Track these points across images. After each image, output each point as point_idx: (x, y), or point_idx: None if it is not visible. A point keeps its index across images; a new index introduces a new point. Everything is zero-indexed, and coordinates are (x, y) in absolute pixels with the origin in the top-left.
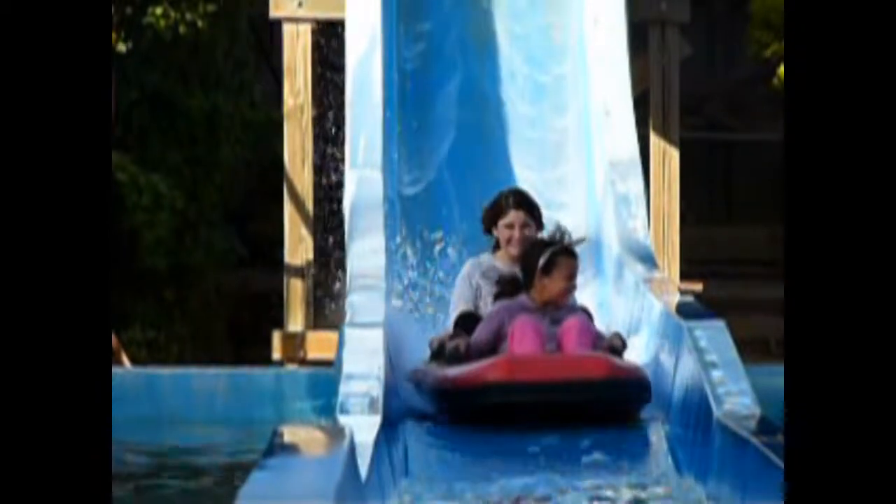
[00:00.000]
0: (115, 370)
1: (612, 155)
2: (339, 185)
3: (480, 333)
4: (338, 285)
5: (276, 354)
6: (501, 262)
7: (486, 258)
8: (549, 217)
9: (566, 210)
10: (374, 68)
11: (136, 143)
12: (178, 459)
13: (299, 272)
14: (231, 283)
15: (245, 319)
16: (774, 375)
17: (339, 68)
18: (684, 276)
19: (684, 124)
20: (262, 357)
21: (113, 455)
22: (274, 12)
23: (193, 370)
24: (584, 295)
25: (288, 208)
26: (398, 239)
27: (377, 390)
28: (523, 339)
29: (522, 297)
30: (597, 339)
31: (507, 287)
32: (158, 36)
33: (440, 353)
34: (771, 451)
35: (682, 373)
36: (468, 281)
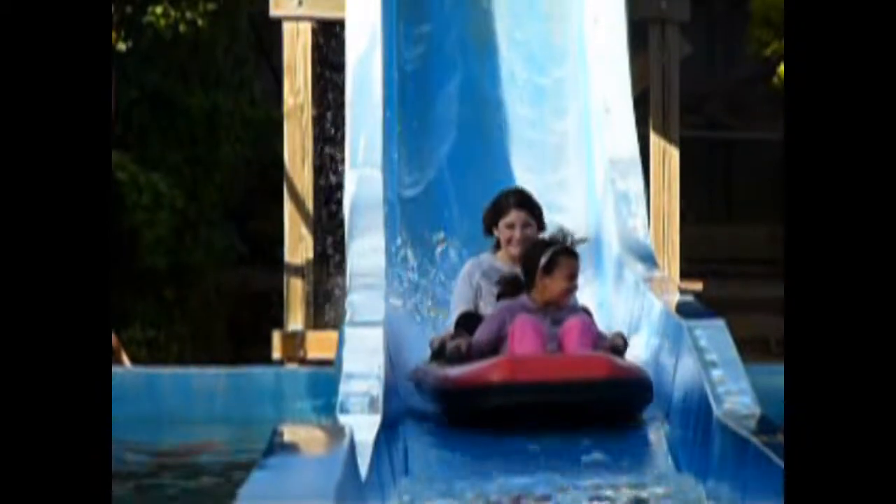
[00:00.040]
0: (115, 369)
1: (613, 153)
2: (339, 186)
3: (481, 334)
4: (337, 292)
5: (276, 354)
6: (502, 262)
7: (486, 258)
8: (550, 220)
9: (566, 213)
10: (374, 67)
11: (136, 142)
12: (178, 459)
13: (299, 271)
14: (231, 282)
15: (245, 318)
16: (774, 375)
17: (339, 68)
18: (684, 275)
19: (684, 123)
20: (262, 356)
21: (113, 454)
22: (274, 11)
23: (193, 370)
24: (584, 294)
25: (288, 207)
26: (398, 241)
27: (377, 389)
28: (524, 338)
29: (523, 298)
30: (598, 339)
31: (508, 287)
32: (158, 35)
33: (441, 353)
34: (771, 450)
35: (681, 372)
36: (468, 280)
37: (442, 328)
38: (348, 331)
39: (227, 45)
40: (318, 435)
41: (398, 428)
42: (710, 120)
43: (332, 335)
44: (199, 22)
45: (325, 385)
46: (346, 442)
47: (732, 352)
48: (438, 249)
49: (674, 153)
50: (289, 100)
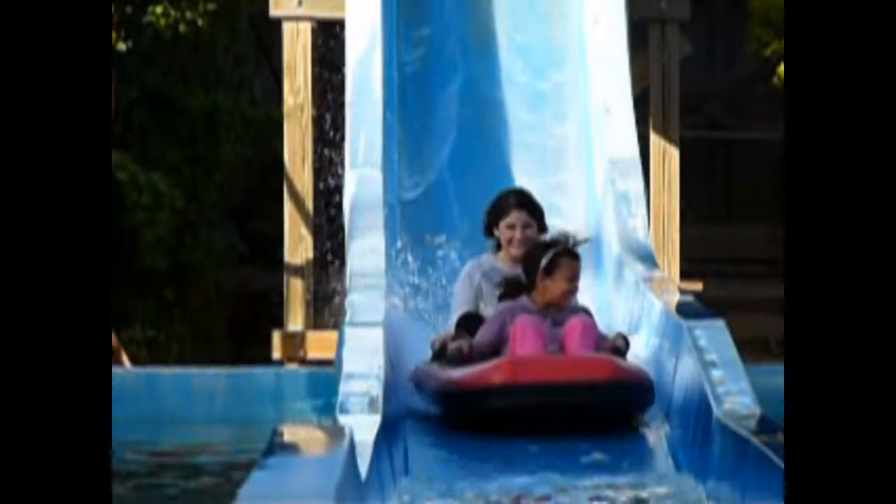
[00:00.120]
0: (115, 370)
1: (613, 153)
2: (338, 189)
3: (483, 335)
4: (337, 292)
5: (276, 354)
6: (502, 263)
7: (487, 258)
8: (549, 223)
9: (565, 216)
10: (375, 67)
11: (136, 141)
12: (178, 459)
13: (299, 271)
14: (231, 282)
15: (245, 318)
16: (774, 375)
17: (338, 69)
18: (684, 275)
19: (684, 123)
20: (262, 356)
21: (113, 454)
22: (274, 11)
23: (193, 370)
24: (584, 294)
25: (288, 207)
26: (399, 244)
27: (377, 390)
28: (524, 339)
29: (523, 299)
30: (599, 340)
31: (510, 288)
32: (158, 35)
33: (442, 354)
34: (771, 450)
35: (681, 372)
36: (469, 281)
37: (442, 329)
38: (348, 331)
39: (227, 45)
40: (317, 435)
41: (398, 428)
42: (710, 120)
43: (332, 335)
44: (199, 22)
45: (324, 385)
46: (345, 442)
47: (732, 352)
48: (439, 252)
49: (674, 153)
50: (289, 100)
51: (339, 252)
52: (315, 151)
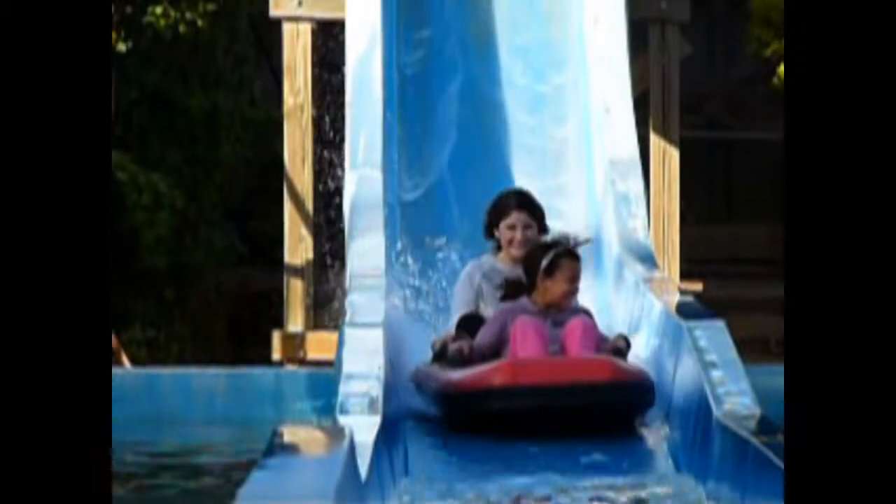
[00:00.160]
0: (115, 370)
1: (613, 154)
2: (337, 191)
3: (483, 336)
4: (337, 294)
5: (276, 355)
6: (503, 264)
7: (487, 259)
8: (550, 226)
9: (566, 219)
10: (375, 67)
11: (136, 142)
12: (178, 459)
13: (299, 272)
14: (231, 282)
15: (245, 318)
16: (774, 375)
17: (337, 71)
18: (684, 275)
19: (684, 123)
20: (261, 357)
21: (113, 455)
22: (274, 11)
23: (193, 370)
24: (584, 295)
25: (288, 207)
26: (399, 246)
27: (377, 390)
28: (525, 340)
29: (524, 300)
30: (600, 341)
31: (511, 289)
32: (158, 35)
33: (442, 355)
34: (771, 451)
35: (681, 373)
36: (469, 282)
37: (442, 330)
38: (348, 331)
39: (227, 46)
40: (317, 436)
41: (398, 429)
42: (710, 120)
43: (332, 336)
44: (199, 22)
45: (324, 386)
46: (345, 443)
47: (732, 352)
48: (440, 255)
49: (674, 154)
50: (289, 100)
51: (338, 254)
52: (314, 153)
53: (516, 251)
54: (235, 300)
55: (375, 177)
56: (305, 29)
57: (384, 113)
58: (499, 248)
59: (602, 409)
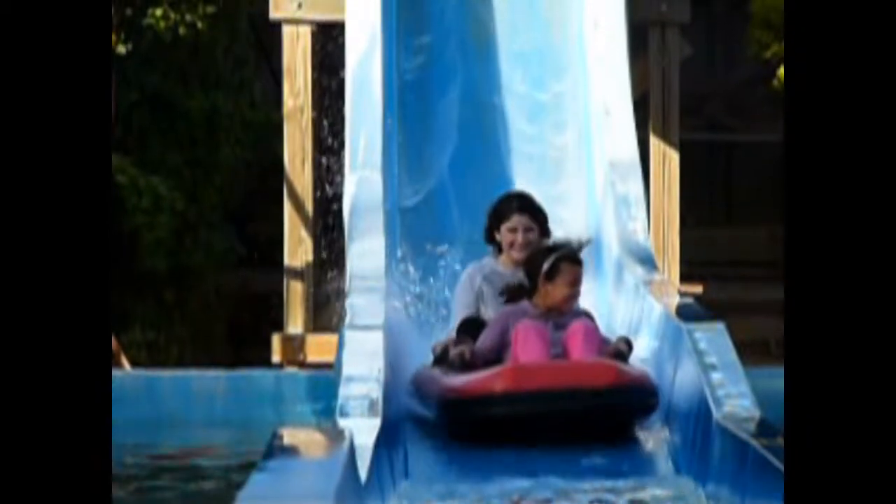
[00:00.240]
0: (115, 372)
1: (612, 156)
2: (336, 197)
3: (484, 340)
4: (336, 297)
5: (276, 357)
6: (503, 266)
7: (488, 262)
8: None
9: (566, 226)
10: (374, 69)
11: (135, 144)
12: (178, 461)
13: (299, 274)
14: (231, 284)
15: (245, 320)
16: (774, 377)
17: (336, 75)
18: (684, 277)
19: (684, 125)
20: (261, 359)
21: (113, 457)
22: (274, 13)
23: (193, 372)
24: (584, 298)
25: (288, 209)
26: (399, 253)
27: (377, 393)
28: (526, 344)
29: (525, 303)
30: (602, 344)
31: (513, 294)
32: (158, 37)
33: (443, 359)
34: (771, 453)
35: (681, 375)
36: (470, 284)
37: (442, 333)
38: (348, 334)
39: (227, 48)
40: (317, 438)
41: (398, 431)
42: (711, 121)
43: (332, 338)
44: (199, 24)
45: (324, 388)
46: (345, 445)
47: (732, 355)
48: (441, 262)
49: (674, 156)
50: (289, 102)
51: (337, 261)
52: (314, 157)
53: (517, 254)
54: (235, 302)
55: (375, 179)
56: (305, 31)
57: (384, 118)
58: (500, 250)
59: (605, 414)
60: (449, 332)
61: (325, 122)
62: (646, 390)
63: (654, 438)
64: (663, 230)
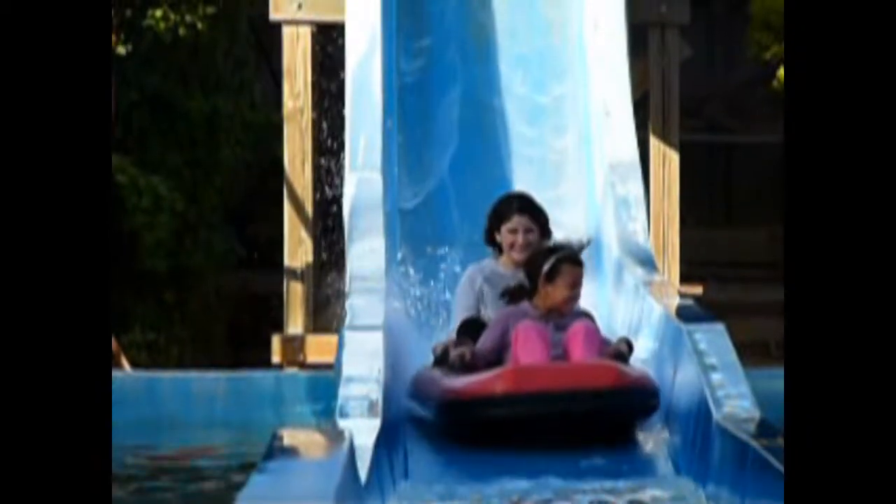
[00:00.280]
0: (115, 373)
1: (612, 157)
2: (335, 200)
3: (485, 341)
4: (336, 298)
5: (276, 358)
6: (504, 268)
7: (488, 263)
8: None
9: (566, 229)
10: (374, 69)
11: (135, 145)
12: (178, 462)
13: (299, 275)
14: (231, 285)
15: (245, 322)
16: (774, 378)
17: (336, 78)
18: (684, 278)
19: (684, 126)
20: (261, 360)
21: (113, 458)
22: (274, 14)
23: (193, 373)
24: (584, 299)
25: (288, 210)
26: (399, 256)
27: (377, 393)
28: (527, 345)
29: (525, 304)
30: (603, 345)
31: (514, 295)
32: (158, 38)
33: (444, 360)
34: (770, 454)
35: (681, 376)
36: (471, 285)
37: (442, 335)
38: (348, 334)
39: (227, 49)
40: (317, 439)
41: (398, 431)
42: (710, 122)
43: (332, 339)
44: (199, 25)
45: (324, 389)
46: (345, 445)
47: (732, 355)
48: (442, 265)
49: (674, 157)
50: (289, 103)
51: (337, 263)
52: (313, 159)
53: (517, 255)
54: (235, 303)
55: (375, 179)
56: (305, 32)
57: (384, 120)
58: (500, 251)
59: (606, 415)
60: (449, 333)
61: (325, 125)
62: (646, 391)
63: (654, 439)
64: (663, 231)
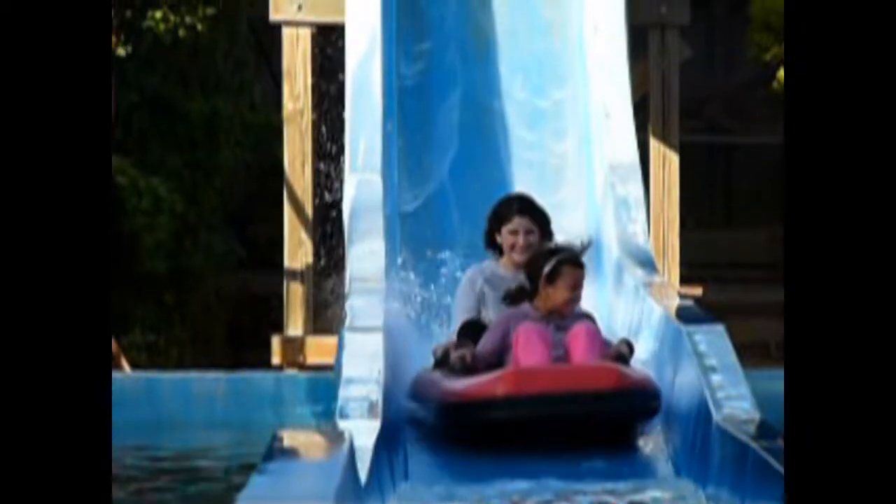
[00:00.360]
0: (115, 374)
1: (613, 159)
2: (334, 204)
3: (485, 343)
4: (336, 300)
5: (276, 359)
6: (505, 269)
7: (489, 264)
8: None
9: (566, 233)
10: (374, 70)
11: (135, 146)
12: (178, 463)
13: (299, 276)
14: (231, 286)
15: (245, 323)
16: (774, 379)
17: (335, 81)
18: (684, 280)
19: (684, 127)
20: (261, 361)
21: (113, 458)
22: (274, 16)
23: (193, 374)
24: (584, 300)
25: (288, 212)
26: (400, 260)
27: (376, 394)
28: (527, 346)
29: (526, 306)
30: (604, 347)
31: (514, 296)
32: (158, 39)
33: (444, 362)
34: (770, 455)
35: (681, 377)
36: (471, 287)
37: (443, 338)
38: (348, 335)
39: (227, 50)
40: (317, 440)
41: (398, 433)
42: (710, 123)
43: (332, 340)
44: (199, 26)
45: (324, 390)
46: (345, 447)
47: (732, 357)
48: (443, 270)
49: (674, 158)
50: (288, 104)
51: (337, 267)
52: (313, 161)
53: (518, 256)
54: (235, 304)
55: (375, 180)
56: (305, 33)
57: (384, 123)
58: (500, 253)
59: (607, 417)
60: (449, 334)
61: (324, 129)
62: (648, 393)
63: (654, 441)
64: (663, 232)
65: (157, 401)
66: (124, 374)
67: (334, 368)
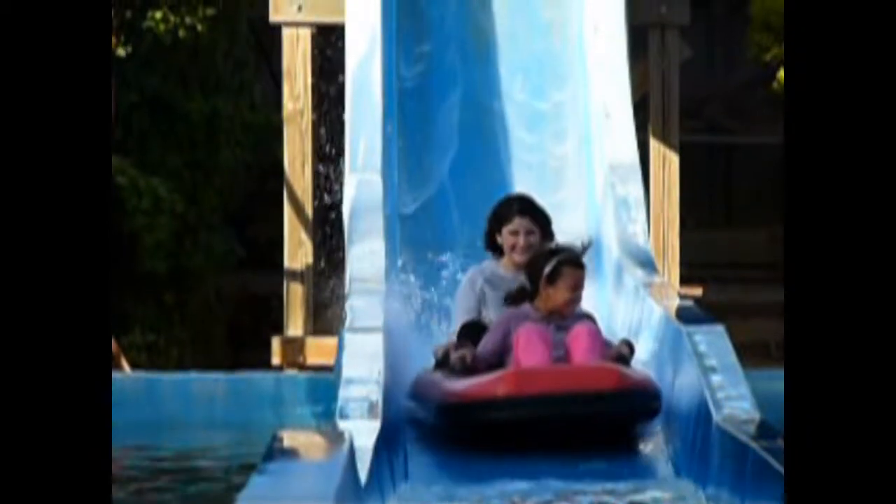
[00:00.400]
0: (115, 375)
1: (613, 159)
2: (333, 206)
3: (486, 344)
4: (336, 300)
5: (276, 359)
6: (505, 270)
7: (489, 265)
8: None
9: (566, 234)
10: (374, 70)
11: (135, 146)
12: (178, 463)
13: (299, 276)
14: (231, 286)
15: (245, 323)
16: (774, 379)
17: (335, 82)
18: (684, 280)
19: (684, 127)
20: (261, 361)
21: (113, 458)
22: (274, 16)
23: (193, 374)
24: (584, 300)
25: (288, 212)
26: (400, 262)
27: (376, 395)
28: (528, 347)
29: (526, 306)
30: (604, 348)
31: (515, 297)
32: (158, 40)
33: (444, 363)
34: (770, 455)
35: (681, 377)
36: (471, 287)
37: (443, 340)
38: (348, 336)
39: (227, 50)
40: (317, 440)
41: (398, 433)
42: (710, 124)
43: (332, 341)
44: (199, 27)
45: (324, 390)
46: (345, 447)
47: (732, 357)
48: (443, 272)
49: (673, 158)
50: (288, 105)
51: (337, 269)
52: (313, 161)
53: (519, 257)
54: (235, 304)
55: (375, 181)
56: (305, 34)
57: (384, 124)
58: (501, 254)
59: (608, 418)
60: (450, 335)
61: (323, 130)
62: (648, 394)
63: (654, 441)
64: (663, 232)
65: (157, 401)
66: (124, 374)
67: (334, 369)
